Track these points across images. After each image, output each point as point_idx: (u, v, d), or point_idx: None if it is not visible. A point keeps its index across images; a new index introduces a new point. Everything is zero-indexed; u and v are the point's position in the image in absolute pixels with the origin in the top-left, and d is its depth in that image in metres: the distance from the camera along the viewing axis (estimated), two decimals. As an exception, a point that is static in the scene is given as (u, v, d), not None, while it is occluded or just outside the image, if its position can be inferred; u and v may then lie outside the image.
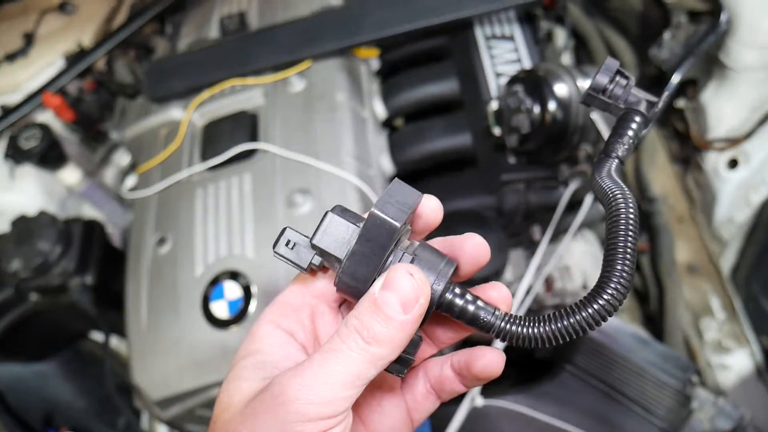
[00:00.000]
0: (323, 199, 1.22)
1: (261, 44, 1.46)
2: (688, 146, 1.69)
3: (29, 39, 1.67)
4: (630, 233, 0.46)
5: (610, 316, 0.46)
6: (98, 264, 1.40)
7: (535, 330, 0.47)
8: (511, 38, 1.44)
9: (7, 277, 1.32)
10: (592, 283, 1.30)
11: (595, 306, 0.45)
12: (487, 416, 0.99)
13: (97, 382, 1.58)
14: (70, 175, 1.55)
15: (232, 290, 1.17)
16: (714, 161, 1.55)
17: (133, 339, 1.22)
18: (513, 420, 0.99)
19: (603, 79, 0.53)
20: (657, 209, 1.65)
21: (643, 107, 0.53)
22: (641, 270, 1.66)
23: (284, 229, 0.50)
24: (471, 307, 0.48)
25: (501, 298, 0.51)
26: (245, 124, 1.37)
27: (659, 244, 1.60)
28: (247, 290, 1.16)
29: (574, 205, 1.23)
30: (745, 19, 1.31)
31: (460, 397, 1.03)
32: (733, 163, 1.53)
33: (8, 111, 1.55)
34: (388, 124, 1.50)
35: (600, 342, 1.06)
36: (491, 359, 0.52)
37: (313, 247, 0.48)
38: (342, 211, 0.48)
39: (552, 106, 1.09)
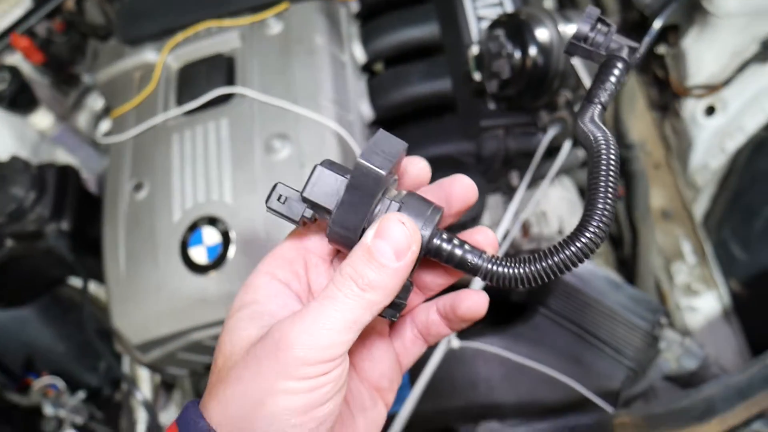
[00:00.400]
0: (302, 145, 1.21)
1: (236, -16, 1.41)
2: (667, 93, 1.69)
3: (-7, -24, 1.60)
4: (611, 177, 0.48)
5: (592, 254, 0.47)
6: (74, 210, 1.39)
7: (521, 270, 0.49)
8: (492, -20, 1.41)
9: (-20, 222, 1.31)
10: (568, 228, 1.32)
11: (578, 244, 0.47)
12: (462, 357, 1.02)
13: (77, 326, 1.58)
14: (42, 119, 1.51)
15: (210, 236, 1.17)
16: (692, 108, 1.56)
17: (111, 285, 1.22)
18: (488, 361, 1.02)
19: (584, 27, 0.53)
20: (634, 155, 1.67)
21: (624, 53, 0.53)
22: (616, 215, 1.69)
23: (276, 185, 0.51)
24: (458, 251, 0.50)
25: (487, 242, 0.53)
26: (222, 68, 1.34)
27: (635, 190, 1.62)
28: (225, 236, 1.16)
29: (552, 151, 1.23)
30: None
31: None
32: (710, 110, 1.54)
33: (-26, 52, 1.50)
34: (367, 69, 1.48)
35: (573, 285, 1.09)
36: (475, 301, 0.54)
37: (304, 200, 0.49)
38: (330, 164, 0.50)
39: (533, 51, 1.08)
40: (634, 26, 1.72)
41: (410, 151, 1.33)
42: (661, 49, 1.62)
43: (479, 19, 1.35)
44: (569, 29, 1.11)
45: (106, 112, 1.63)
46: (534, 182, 1.26)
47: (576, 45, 0.54)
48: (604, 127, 0.52)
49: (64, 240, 1.35)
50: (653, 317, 1.05)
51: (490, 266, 0.50)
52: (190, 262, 1.16)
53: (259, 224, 1.16)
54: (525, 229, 1.27)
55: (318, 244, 0.55)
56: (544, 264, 0.47)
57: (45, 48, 1.55)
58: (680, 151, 1.65)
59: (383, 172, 0.46)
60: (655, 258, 1.51)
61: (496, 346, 1.02)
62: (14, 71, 1.45)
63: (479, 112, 1.23)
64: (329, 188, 0.49)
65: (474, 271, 0.50)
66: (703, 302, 1.49)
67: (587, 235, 0.46)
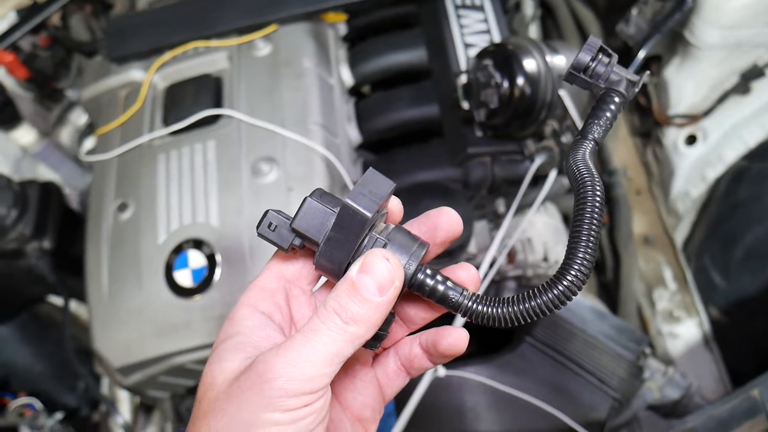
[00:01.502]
0: (289, 168, 1.21)
1: (226, 5, 1.41)
2: (649, 120, 1.72)
3: (-22, -10, 1.59)
4: (594, 220, 0.48)
5: (573, 297, 0.48)
6: (56, 228, 1.37)
7: (501, 310, 0.50)
8: (480, 8, 1.43)
9: (-41, 240, 1.28)
10: (553, 255, 1.33)
11: (560, 288, 0.47)
12: (449, 386, 1.02)
13: (56, 345, 1.56)
14: (25, 135, 1.49)
15: (196, 259, 1.16)
16: (673, 137, 1.59)
17: (94, 306, 1.20)
18: (474, 390, 1.02)
19: (585, 57, 0.53)
20: (616, 181, 1.69)
21: (623, 87, 0.53)
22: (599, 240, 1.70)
23: (267, 212, 0.52)
24: (441, 287, 0.51)
25: (469, 279, 0.54)
26: (209, 88, 1.34)
27: (617, 216, 1.64)
28: (211, 259, 1.15)
29: (539, 179, 1.24)
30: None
31: (422, 367, 1.05)
32: (691, 140, 1.57)
33: (-43, 66, 1.48)
34: (355, 91, 1.48)
35: (558, 315, 1.09)
36: (456, 338, 0.55)
37: (293, 230, 0.51)
38: (321, 196, 0.51)
39: (521, 81, 1.09)
40: (618, 56, 1.75)
41: (397, 177, 1.33)
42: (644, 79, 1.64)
43: (467, 45, 1.37)
44: (556, 60, 1.13)
45: (89, 128, 1.61)
46: (520, 210, 1.27)
47: (575, 75, 0.54)
48: (592, 168, 0.52)
49: (45, 259, 1.33)
50: (637, 347, 1.06)
51: (470, 304, 0.51)
52: (174, 285, 1.15)
53: (245, 248, 1.15)
54: (510, 255, 1.27)
55: (298, 275, 0.56)
56: (524, 306, 0.48)
57: (29, 63, 1.54)
58: (662, 178, 1.68)
59: (369, 215, 0.47)
60: (637, 284, 1.53)
61: (483, 375, 1.02)
62: (-3, 86, 1.44)
63: (466, 139, 1.24)
64: (317, 221, 0.50)
65: (455, 307, 0.51)
66: (684, 329, 1.51)
67: (568, 278, 0.47)
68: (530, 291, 0.49)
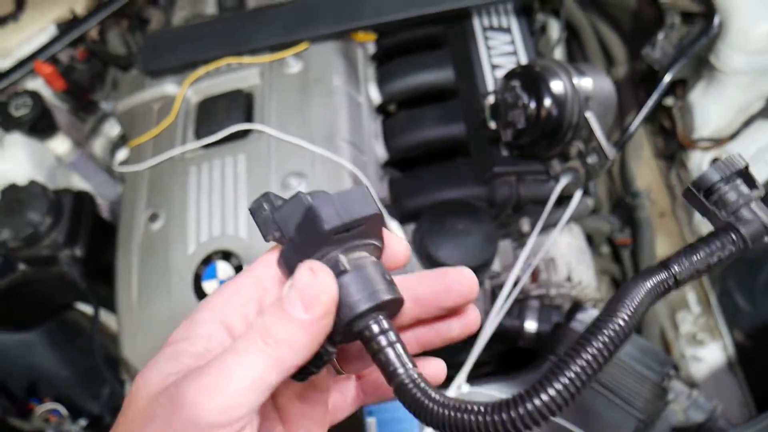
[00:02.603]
0: (318, 183, 1.23)
1: (258, 23, 1.45)
2: (673, 143, 1.73)
3: (20, 4, 1.64)
4: (599, 358, 0.39)
5: (535, 425, 0.38)
6: (88, 236, 1.40)
7: (441, 411, 0.40)
8: (508, 30, 1.45)
9: (-4, 246, 1.32)
10: (576, 275, 1.34)
11: (519, 411, 0.38)
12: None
13: (82, 352, 1.58)
14: (60, 144, 1.53)
15: (224, 270, 1.18)
16: (698, 160, 1.59)
17: (123, 314, 1.23)
18: (496, 407, 1.02)
19: (713, 176, 0.42)
20: (640, 203, 1.69)
21: (750, 230, 0.41)
22: (622, 262, 1.71)
23: (266, 193, 0.47)
24: (388, 350, 0.43)
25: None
26: (240, 103, 1.37)
27: (641, 238, 1.64)
28: (239, 270, 1.18)
29: (563, 199, 1.25)
30: (736, 23, 1.34)
31: (446, 383, 1.06)
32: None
33: (-2, 77, 1.53)
34: (382, 109, 1.51)
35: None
36: (436, 369, 0.50)
37: (273, 219, 0.45)
38: (311, 195, 0.45)
39: (548, 102, 1.11)
40: (642, 77, 1.77)
41: (423, 194, 1.35)
42: (669, 101, 1.65)
43: (494, 67, 1.39)
44: (583, 82, 1.14)
45: (122, 139, 1.65)
46: (544, 229, 1.28)
47: (694, 194, 0.43)
48: (634, 312, 0.41)
49: (77, 266, 1.36)
50: (662, 369, 1.06)
51: (410, 385, 0.41)
52: (203, 295, 1.17)
53: (274, 261, 1.17)
54: (534, 274, 1.28)
55: (279, 281, 0.48)
56: (470, 417, 0.39)
57: (67, 75, 1.58)
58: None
59: (326, 227, 0.42)
60: (660, 306, 1.53)
61: (506, 392, 1.03)
62: (36, 97, 1.48)
63: (493, 159, 1.25)
64: (294, 216, 0.44)
65: (391, 379, 0.43)
66: (708, 352, 1.50)
67: (535, 402, 0.38)
68: (490, 405, 0.39)
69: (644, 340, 1.12)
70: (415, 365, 0.43)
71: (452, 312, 0.50)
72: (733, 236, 0.41)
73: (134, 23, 1.70)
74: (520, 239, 1.30)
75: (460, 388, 1.03)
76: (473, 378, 1.11)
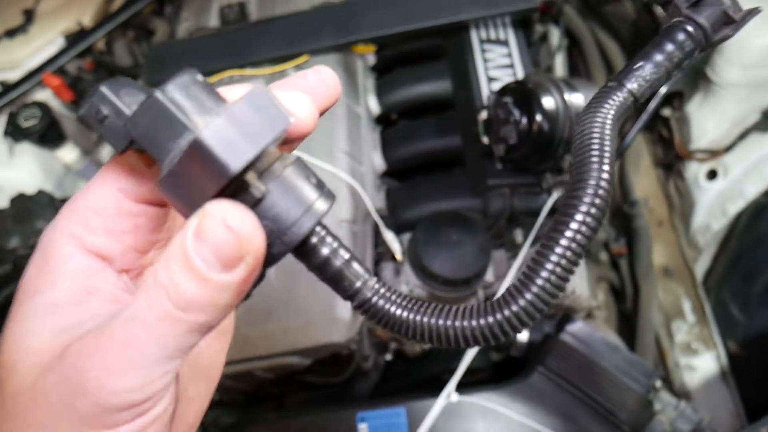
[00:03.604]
0: (315, 195, 1.26)
1: (260, 36, 1.49)
2: (671, 152, 1.74)
3: (29, 16, 1.69)
4: (581, 230, 0.35)
5: (516, 331, 0.36)
6: (94, 244, 1.44)
7: (415, 317, 0.36)
8: (505, 42, 1.47)
9: (5, 253, 1.36)
10: (569, 284, 1.36)
11: (504, 313, 0.35)
12: (461, 411, 1.05)
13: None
14: (69, 153, 1.58)
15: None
16: (695, 171, 1.60)
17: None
18: (485, 416, 1.05)
19: None
20: (638, 212, 1.71)
21: (708, 18, 0.37)
22: (619, 270, 1.72)
23: (96, 88, 0.34)
24: (337, 263, 0.37)
25: (321, 82, 0.41)
26: (242, 115, 1.40)
27: (638, 247, 1.66)
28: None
29: (556, 211, 1.28)
30: (732, 37, 1.35)
31: (435, 392, 1.09)
32: (712, 174, 1.58)
33: (8, 88, 1.57)
34: (383, 118, 1.53)
35: (571, 345, 1.12)
36: None
37: (131, 136, 0.33)
38: (184, 88, 0.32)
39: (539, 118, 1.13)
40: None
41: (420, 205, 1.37)
42: (666, 112, 1.67)
43: (490, 79, 1.41)
44: (574, 98, 1.17)
45: (128, 148, 1.69)
46: (537, 240, 1.30)
47: None
48: (609, 151, 0.35)
49: (82, 274, 1.40)
50: (648, 381, 1.08)
51: (371, 295, 0.37)
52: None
53: (271, 272, 1.20)
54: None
55: (151, 191, 0.38)
56: (448, 322, 0.35)
57: (74, 86, 1.62)
58: (683, 210, 1.69)
59: (232, 170, 0.30)
60: (655, 315, 1.54)
61: (495, 402, 1.05)
62: (44, 108, 1.52)
63: (487, 171, 1.28)
64: (165, 132, 0.31)
65: (349, 296, 0.37)
66: (702, 362, 1.51)
67: (520, 303, 0.35)
68: (466, 308, 0.36)
69: (631, 353, 1.14)
70: (369, 272, 0.38)
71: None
72: (685, 30, 0.37)
73: (140, 34, 1.74)
74: (514, 249, 1.32)
75: (449, 397, 1.05)
76: (467, 385, 1.14)
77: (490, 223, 1.29)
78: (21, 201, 1.38)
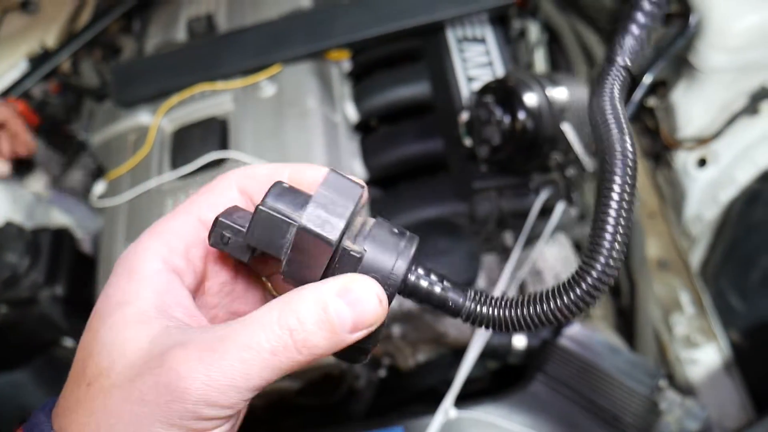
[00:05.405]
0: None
1: (230, 48, 1.44)
2: (658, 142, 1.71)
3: (-10, 40, 1.63)
4: (624, 207, 0.40)
5: (599, 295, 0.41)
6: (68, 274, 1.38)
7: (516, 313, 0.43)
8: (482, 40, 1.43)
9: (-26, 289, 1.30)
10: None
11: (584, 285, 0.41)
12: (460, 428, 1.01)
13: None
14: (37, 181, 1.52)
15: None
16: (683, 160, 1.57)
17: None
18: (485, 431, 1.00)
19: None
20: (629, 205, 1.67)
21: None
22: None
23: (216, 220, 0.43)
24: (437, 289, 0.44)
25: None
26: (215, 131, 1.35)
27: (630, 240, 1.62)
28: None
29: (546, 211, 1.23)
30: (714, 22, 1.32)
31: (433, 408, 1.04)
32: (702, 162, 1.55)
33: (-30, 116, 1.51)
34: (363, 125, 1.48)
35: (570, 350, 1.08)
36: None
37: (248, 246, 0.42)
38: (278, 197, 0.41)
39: (522, 116, 1.09)
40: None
41: (405, 213, 1.32)
42: (651, 102, 1.63)
43: (469, 79, 1.37)
44: (557, 93, 1.13)
45: (100, 171, 1.64)
46: (528, 242, 1.26)
47: None
48: (624, 121, 0.40)
49: (58, 306, 1.34)
50: (651, 381, 1.04)
51: (474, 306, 0.44)
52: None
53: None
54: (521, 289, 1.26)
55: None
56: (544, 307, 0.42)
57: (40, 110, 1.57)
58: (674, 201, 1.66)
59: (333, 239, 0.39)
60: (653, 309, 1.50)
61: (494, 414, 1.01)
62: (10, 135, 1.46)
63: (471, 174, 1.23)
64: (275, 233, 0.41)
65: (455, 312, 0.44)
66: (704, 354, 1.47)
67: (593, 275, 0.40)
68: (547, 292, 0.43)
69: (633, 353, 1.10)
70: (465, 288, 0.44)
71: None
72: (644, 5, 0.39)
73: (107, 53, 1.69)
74: (505, 254, 1.28)
75: (447, 414, 1.00)
76: (467, 396, 1.09)
77: (478, 228, 1.25)
78: (-12, 234, 1.32)
